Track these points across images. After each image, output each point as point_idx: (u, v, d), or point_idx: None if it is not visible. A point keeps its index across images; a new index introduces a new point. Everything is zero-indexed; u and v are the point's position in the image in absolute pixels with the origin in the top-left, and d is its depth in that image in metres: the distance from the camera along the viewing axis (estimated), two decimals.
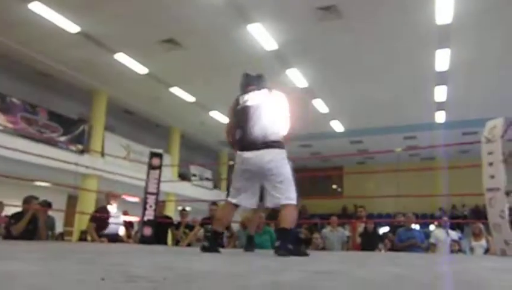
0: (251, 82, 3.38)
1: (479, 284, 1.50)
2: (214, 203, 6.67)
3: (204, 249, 3.14)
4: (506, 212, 3.48)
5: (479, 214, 14.32)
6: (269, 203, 3.12)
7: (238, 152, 3.19)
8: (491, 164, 3.69)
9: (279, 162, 3.07)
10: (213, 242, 3.22)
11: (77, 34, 9.04)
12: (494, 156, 3.66)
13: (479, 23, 8.20)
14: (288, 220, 2.99)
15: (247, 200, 3.21)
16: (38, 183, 9.17)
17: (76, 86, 11.67)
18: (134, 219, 7.52)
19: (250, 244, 3.95)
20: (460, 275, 1.79)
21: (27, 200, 5.15)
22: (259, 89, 3.29)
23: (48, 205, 5.94)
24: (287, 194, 3.04)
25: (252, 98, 3.23)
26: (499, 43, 8.91)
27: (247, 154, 3.10)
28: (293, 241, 3.56)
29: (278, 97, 3.25)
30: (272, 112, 3.17)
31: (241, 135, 3.19)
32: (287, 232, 2.97)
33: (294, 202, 3.04)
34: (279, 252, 2.87)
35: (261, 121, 3.12)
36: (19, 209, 5.21)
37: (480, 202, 13.89)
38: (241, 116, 3.22)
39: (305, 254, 3.02)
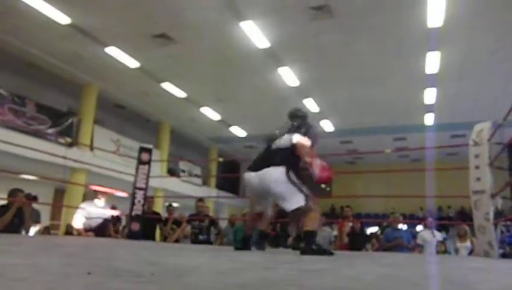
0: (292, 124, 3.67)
1: (463, 283, 1.52)
2: (200, 199, 6.66)
3: (237, 248, 3.47)
4: (491, 214, 3.53)
5: (465, 215, 14.50)
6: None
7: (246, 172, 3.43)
8: (477, 167, 3.74)
9: (279, 182, 3.17)
10: (244, 243, 3.51)
11: (68, 26, 8.91)
12: (481, 159, 3.71)
13: (469, 26, 8.29)
14: (307, 223, 3.12)
15: (265, 209, 3.50)
16: (24, 176, 9.03)
17: (66, 78, 11.50)
18: (115, 212, 7.40)
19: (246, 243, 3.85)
20: (444, 275, 1.81)
21: (12, 193, 5.07)
22: (293, 132, 3.49)
23: (33, 198, 5.86)
24: (294, 199, 3.13)
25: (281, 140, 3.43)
26: (489, 47, 9.02)
27: (251, 174, 3.33)
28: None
29: (299, 145, 3.32)
30: (287, 155, 3.31)
31: (253, 160, 3.48)
32: (309, 234, 3.10)
33: (302, 203, 3.10)
34: (302, 253, 3.05)
35: (275, 158, 3.30)
36: (4, 202, 5.13)
37: (466, 204, 14.07)
38: (264, 152, 3.51)
39: (330, 253, 3.10)
